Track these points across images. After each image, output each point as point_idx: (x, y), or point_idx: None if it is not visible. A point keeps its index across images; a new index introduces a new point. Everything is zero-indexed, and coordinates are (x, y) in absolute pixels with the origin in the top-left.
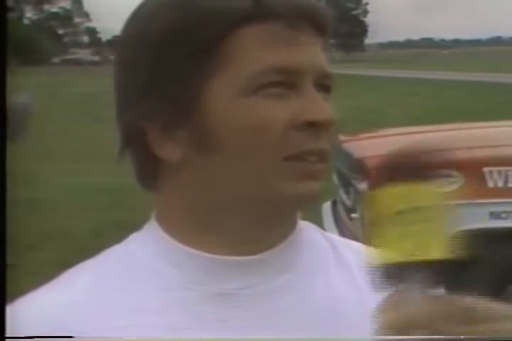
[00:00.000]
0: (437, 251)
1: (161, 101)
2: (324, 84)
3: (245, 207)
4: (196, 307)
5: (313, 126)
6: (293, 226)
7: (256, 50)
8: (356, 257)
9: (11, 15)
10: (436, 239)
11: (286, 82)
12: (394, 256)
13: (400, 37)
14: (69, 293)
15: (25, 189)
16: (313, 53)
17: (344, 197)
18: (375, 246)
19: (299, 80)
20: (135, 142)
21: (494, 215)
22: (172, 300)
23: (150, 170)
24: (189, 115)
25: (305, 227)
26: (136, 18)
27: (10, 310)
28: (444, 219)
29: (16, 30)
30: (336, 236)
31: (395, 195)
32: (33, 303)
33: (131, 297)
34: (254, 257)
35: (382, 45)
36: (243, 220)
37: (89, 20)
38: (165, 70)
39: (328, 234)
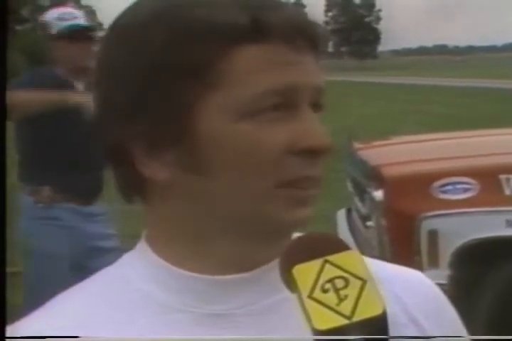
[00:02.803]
0: (378, 306)
1: (150, 121)
2: (318, 103)
3: (235, 231)
4: (189, 330)
5: (311, 153)
6: (285, 242)
7: (251, 72)
8: None
9: (25, 27)
10: (372, 296)
11: (284, 104)
12: (338, 319)
13: (414, 44)
14: (61, 317)
15: None
16: (309, 71)
17: (359, 204)
18: (317, 314)
19: (296, 102)
20: (118, 158)
21: (511, 223)
22: (164, 323)
23: (135, 186)
24: (179, 137)
25: None
26: (126, 35)
27: (10, 331)
28: (370, 276)
29: (30, 42)
30: None
31: (314, 270)
32: (30, 327)
33: (122, 320)
34: (244, 276)
35: (395, 52)
36: (232, 243)
37: (103, 30)
38: (155, 90)
39: None
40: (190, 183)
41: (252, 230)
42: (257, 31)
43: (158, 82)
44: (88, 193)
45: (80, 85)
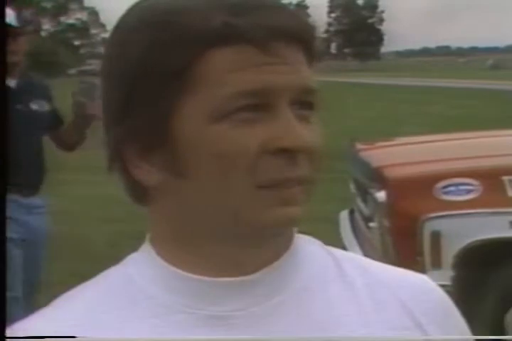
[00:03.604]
0: None
1: (136, 123)
2: (306, 101)
3: (222, 232)
4: (190, 331)
5: (287, 153)
6: (287, 243)
7: (224, 74)
8: (360, 273)
9: (28, 28)
10: None
11: (259, 104)
12: None
13: (417, 45)
14: (63, 317)
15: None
16: (290, 71)
17: (362, 205)
18: None
19: (273, 102)
20: (117, 161)
21: None
22: (166, 323)
23: (134, 188)
24: (162, 139)
25: (303, 243)
26: (115, 38)
27: (24, 324)
28: None
29: (33, 43)
30: (339, 251)
31: None
32: (31, 328)
33: (125, 321)
34: (245, 278)
35: (398, 54)
36: (224, 244)
37: (106, 31)
38: (139, 93)
39: (330, 248)
40: (175, 185)
41: (237, 232)
42: (227, 34)
43: (139, 84)
44: (30, 185)
45: (12, 81)
